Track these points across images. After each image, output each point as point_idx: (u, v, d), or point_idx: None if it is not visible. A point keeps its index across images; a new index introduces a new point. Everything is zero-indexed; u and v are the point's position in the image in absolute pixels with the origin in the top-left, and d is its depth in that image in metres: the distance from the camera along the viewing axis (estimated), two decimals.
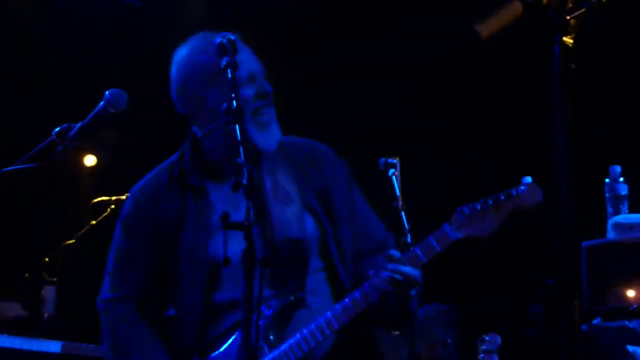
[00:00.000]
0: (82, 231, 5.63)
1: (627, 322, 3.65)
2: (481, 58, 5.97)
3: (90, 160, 7.02)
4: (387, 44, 6.44)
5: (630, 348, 3.08)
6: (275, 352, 3.01)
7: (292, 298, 3.03)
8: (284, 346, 3.01)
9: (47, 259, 5.65)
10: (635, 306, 4.25)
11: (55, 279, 5.75)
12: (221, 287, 3.08)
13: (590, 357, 3.63)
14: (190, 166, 3.22)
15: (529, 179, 3.03)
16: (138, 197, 3.29)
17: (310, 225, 3.14)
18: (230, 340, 3.04)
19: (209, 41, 3.05)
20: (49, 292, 5.68)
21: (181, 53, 3.23)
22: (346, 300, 3.01)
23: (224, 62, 2.83)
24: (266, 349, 3.01)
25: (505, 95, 6.36)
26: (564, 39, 2.10)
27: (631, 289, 4.35)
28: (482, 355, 4.71)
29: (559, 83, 2.13)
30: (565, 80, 2.12)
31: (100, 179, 6.92)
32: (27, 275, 5.63)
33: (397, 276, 2.97)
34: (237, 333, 2.99)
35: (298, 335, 3.00)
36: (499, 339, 4.71)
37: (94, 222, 5.57)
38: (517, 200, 3.00)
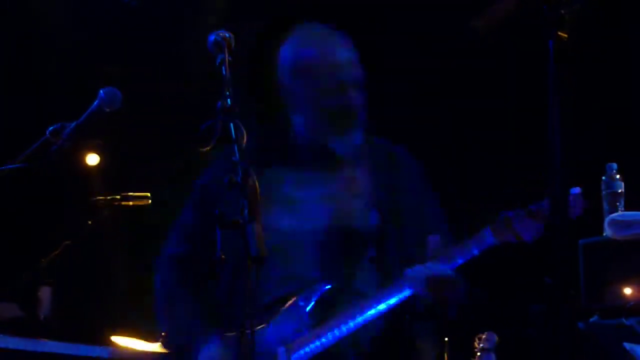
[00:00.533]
0: (79, 231, 5.61)
1: (624, 320, 3.63)
2: (480, 57, 5.97)
3: (93, 159, 7.00)
4: (386, 43, 6.42)
5: (627, 346, 3.06)
6: (311, 335, 3.05)
7: (335, 284, 3.08)
8: (321, 331, 3.04)
9: (43, 260, 5.63)
10: (632, 304, 4.24)
11: (52, 280, 5.74)
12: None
13: (588, 355, 3.62)
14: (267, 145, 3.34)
15: (577, 190, 2.96)
16: (215, 161, 3.36)
17: (374, 219, 3.19)
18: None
19: (308, 32, 3.28)
20: (45, 293, 5.66)
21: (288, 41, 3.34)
22: (380, 292, 3.04)
23: (218, 60, 2.81)
24: (306, 331, 3.07)
25: (504, 94, 6.34)
26: (559, 33, 2.08)
27: (628, 286, 4.34)
28: (478, 354, 4.70)
29: (554, 78, 2.11)
30: (561, 75, 2.10)
31: (99, 179, 6.91)
32: (24, 276, 5.61)
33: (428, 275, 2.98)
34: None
35: (334, 323, 3.04)
36: (495, 338, 4.70)
37: (89, 222, 5.55)
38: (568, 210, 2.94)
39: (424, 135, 6.34)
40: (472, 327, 5.01)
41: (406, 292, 3.01)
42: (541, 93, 2.23)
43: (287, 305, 3.11)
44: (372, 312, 3.02)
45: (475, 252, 2.98)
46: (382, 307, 3.02)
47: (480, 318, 5.43)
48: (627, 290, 4.33)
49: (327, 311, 3.06)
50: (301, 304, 3.09)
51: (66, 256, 5.94)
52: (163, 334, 3.34)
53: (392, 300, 3.02)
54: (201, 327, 3.19)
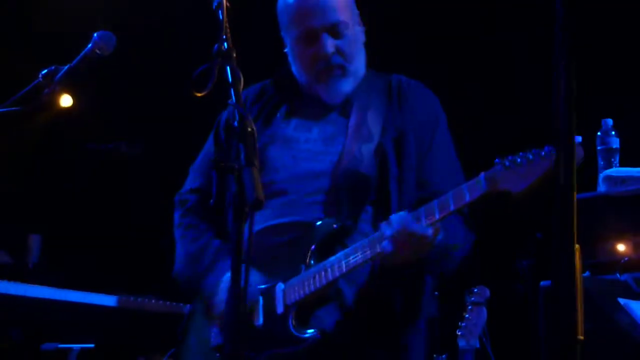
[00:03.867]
0: (72, 178, 5.58)
1: (618, 275, 3.62)
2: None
3: (66, 101, 6.89)
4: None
5: (621, 301, 3.04)
6: (307, 274, 3.03)
7: (335, 226, 3.05)
8: (315, 269, 3.02)
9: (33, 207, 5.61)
10: (626, 259, 4.24)
11: (41, 228, 5.72)
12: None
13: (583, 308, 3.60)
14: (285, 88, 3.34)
15: (578, 138, 2.84)
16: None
17: (379, 163, 3.13)
18: None
19: None
20: (34, 241, 5.64)
21: None
22: (365, 240, 2.97)
23: (215, 3, 2.75)
24: (303, 268, 3.05)
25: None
26: None
27: (622, 242, 4.33)
28: (470, 307, 4.69)
29: (561, 34, 2.05)
30: (567, 31, 2.04)
31: (93, 125, 6.85)
32: (12, 223, 5.59)
33: (401, 229, 2.87)
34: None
35: (325, 263, 3.00)
36: (487, 292, 4.69)
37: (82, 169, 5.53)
38: (543, 164, 2.77)
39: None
40: (463, 281, 5.00)
41: (384, 244, 2.91)
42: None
43: (291, 247, 3.10)
44: (354, 260, 2.96)
45: (468, 198, 2.84)
46: (363, 252, 2.95)
47: (471, 272, 5.43)
48: (621, 246, 4.32)
49: (330, 251, 3.03)
50: (301, 248, 3.07)
51: (56, 204, 5.91)
52: (177, 270, 3.28)
53: (373, 250, 2.94)
54: (217, 257, 3.20)
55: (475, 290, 4.70)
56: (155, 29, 6.24)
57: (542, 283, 4.66)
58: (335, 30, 3.18)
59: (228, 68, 2.63)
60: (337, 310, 3.06)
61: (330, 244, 3.04)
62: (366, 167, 3.12)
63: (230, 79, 2.62)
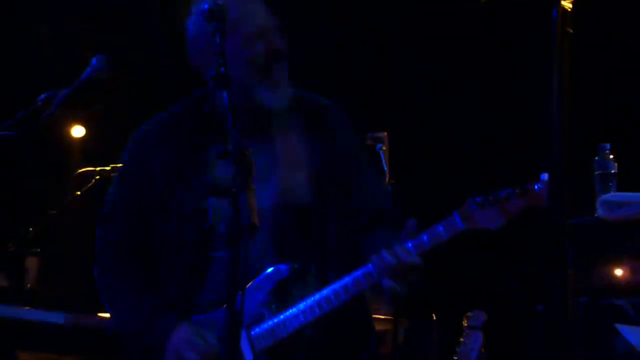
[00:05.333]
0: (66, 202, 5.56)
1: (615, 301, 3.61)
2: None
3: (78, 131, 6.96)
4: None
5: (618, 326, 3.04)
6: (275, 320, 2.98)
7: (290, 270, 3.00)
8: (283, 315, 2.97)
9: (30, 230, 5.58)
10: (623, 284, 4.24)
11: (38, 250, 5.70)
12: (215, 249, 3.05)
13: (579, 334, 3.60)
14: (197, 118, 3.16)
15: (546, 176, 2.88)
16: (135, 139, 3.24)
17: (317, 192, 3.08)
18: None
19: None
20: (31, 263, 5.63)
21: (198, 6, 3.14)
22: (347, 279, 2.94)
23: (211, 28, 2.76)
24: (267, 314, 3.00)
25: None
26: (563, 2, 2.03)
27: (619, 267, 4.33)
28: (466, 332, 4.68)
29: (556, 49, 2.06)
30: (562, 46, 2.05)
31: (87, 150, 6.86)
32: (10, 245, 5.57)
33: (396, 264, 2.88)
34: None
35: (297, 308, 2.97)
36: (483, 316, 4.67)
37: (78, 192, 5.49)
38: (532, 197, 2.85)
39: (411, 109, 6.30)
40: (460, 305, 4.99)
41: (372, 279, 2.93)
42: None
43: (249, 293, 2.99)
44: (336, 298, 2.94)
45: (445, 237, 2.89)
46: (346, 293, 2.94)
47: (469, 296, 5.43)
48: (618, 272, 4.32)
49: (289, 294, 3.00)
50: (260, 293, 3.01)
51: (53, 226, 5.89)
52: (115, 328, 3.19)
53: (358, 287, 2.94)
54: (162, 315, 3.07)
55: (471, 314, 4.68)
56: (148, 52, 6.26)
57: (537, 307, 4.67)
58: (278, 32, 3.12)
59: (225, 93, 2.63)
60: (309, 356, 3.03)
61: (288, 287, 2.99)
62: (306, 199, 3.07)
63: (227, 104, 2.60)
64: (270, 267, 3.01)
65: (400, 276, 2.90)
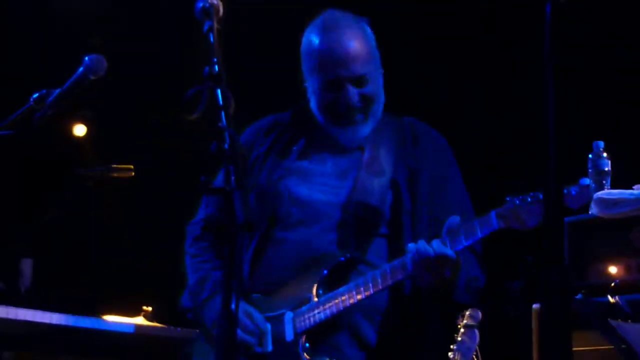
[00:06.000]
0: (62, 203, 5.56)
1: (610, 298, 3.62)
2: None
3: (80, 130, 6.93)
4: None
5: (613, 323, 3.04)
6: (317, 304, 3.10)
7: (343, 258, 3.12)
8: (325, 299, 3.08)
9: (25, 232, 5.58)
10: (617, 282, 4.23)
11: (33, 252, 5.70)
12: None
13: (575, 331, 3.60)
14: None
15: (586, 181, 2.99)
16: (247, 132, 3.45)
17: (391, 197, 3.21)
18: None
19: (323, 20, 3.31)
20: (26, 265, 5.62)
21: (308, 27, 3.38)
22: (385, 267, 3.06)
23: (205, 27, 2.76)
24: (312, 298, 3.12)
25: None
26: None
27: (613, 265, 4.33)
28: (462, 330, 4.66)
29: (549, 46, 2.04)
30: (556, 42, 2.04)
31: (85, 150, 6.84)
32: (4, 248, 5.56)
33: (431, 257, 2.97)
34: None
35: (337, 293, 3.07)
36: (479, 314, 4.66)
37: (73, 194, 5.50)
38: (568, 199, 2.95)
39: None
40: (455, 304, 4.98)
41: (408, 269, 3.02)
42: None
43: (300, 277, 3.16)
44: (374, 285, 3.04)
45: (480, 234, 3.00)
46: (383, 281, 3.04)
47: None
48: (613, 269, 4.32)
49: (338, 281, 3.10)
50: (311, 279, 3.14)
51: (48, 228, 5.88)
52: (182, 299, 3.34)
53: (394, 276, 3.03)
54: (216, 289, 3.21)
55: (468, 312, 4.67)
56: (146, 52, 6.23)
57: (534, 305, 4.66)
58: (360, 81, 3.24)
59: (219, 91, 2.63)
60: (353, 342, 3.15)
61: (338, 275, 3.11)
62: (377, 200, 3.19)
63: (221, 102, 2.61)
64: (327, 254, 3.14)
65: (434, 270, 2.98)
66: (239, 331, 3.06)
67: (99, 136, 6.71)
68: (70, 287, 6.25)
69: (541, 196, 2.90)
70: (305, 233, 3.20)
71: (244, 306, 3.13)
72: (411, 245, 3.00)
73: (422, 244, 2.98)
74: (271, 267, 3.20)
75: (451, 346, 4.64)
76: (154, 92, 6.17)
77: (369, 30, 3.34)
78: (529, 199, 2.92)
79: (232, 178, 2.42)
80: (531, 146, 5.13)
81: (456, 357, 4.61)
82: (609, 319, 3.05)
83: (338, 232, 3.18)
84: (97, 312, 4.76)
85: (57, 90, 3.25)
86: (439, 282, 3.02)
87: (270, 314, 3.15)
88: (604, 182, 4.63)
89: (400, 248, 3.12)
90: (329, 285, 3.11)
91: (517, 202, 2.94)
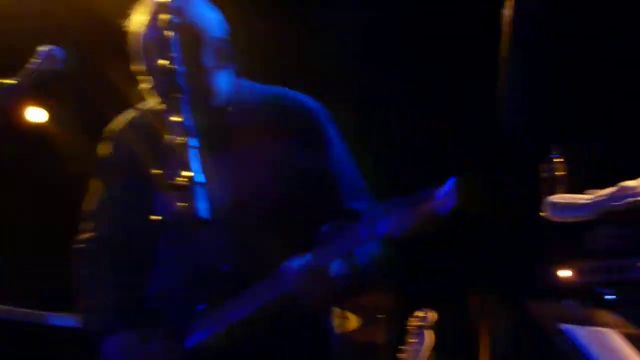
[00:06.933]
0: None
1: (561, 301, 3.61)
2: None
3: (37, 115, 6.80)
4: None
5: (564, 327, 3.02)
6: (201, 320, 2.89)
7: (232, 267, 2.89)
8: (209, 316, 2.88)
9: None
10: (569, 286, 4.25)
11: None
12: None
13: (526, 334, 3.60)
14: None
15: (452, 181, 2.66)
16: (116, 136, 3.14)
17: (271, 192, 2.95)
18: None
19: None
20: None
21: None
22: (257, 287, 2.82)
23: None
24: (198, 316, 2.90)
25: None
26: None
27: (565, 268, 4.34)
28: (415, 331, 4.65)
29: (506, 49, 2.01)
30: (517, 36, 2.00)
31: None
32: None
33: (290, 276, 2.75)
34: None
35: (221, 308, 2.86)
36: (432, 316, 4.66)
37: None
38: (431, 204, 2.65)
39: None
40: (409, 305, 4.97)
41: (282, 286, 2.77)
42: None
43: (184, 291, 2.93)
44: (256, 303, 2.81)
45: (351, 245, 2.72)
46: (264, 299, 2.81)
47: (417, 296, 5.41)
48: (563, 272, 4.34)
49: (224, 295, 2.86)
50: (200, 293, 2.91)
51: (15, 225, 5.81)
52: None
53: (273, 293, 2.79)
54: (121, 317, 3.02)
55: (420, 313, 4.66)
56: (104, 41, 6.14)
57: (488, 305, 4.67)
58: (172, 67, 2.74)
59: (168, 82, 2.57)
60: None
61: (226, 290, 2.86)
62: (257, 198, 2.94)
63: (178, 92, 2.55)
64: (214, 264, 2.90)
65: (310, 286, 2.76)
66: None
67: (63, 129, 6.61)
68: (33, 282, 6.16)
69: (407, 202, 2.66)
70: (184, 245, 2.89)
71: (136, 337, 2.96)
72: (286, 264, 2.76)
73: (296, 260, 2.75)
74: (159, 282, 2.98)
75: (402, 347, 4.65)
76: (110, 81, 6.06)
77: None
78: (394, 206, 2.66)
79: (191, 172, 2.36)
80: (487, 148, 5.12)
81: (406, 358, 4.61)
82: (560, 323, 3.02)
83: (220, 241, 2.88)
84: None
85: (12, 81, 3.18)
86: (317, 297, 2.78)
87: (159, 329, 2.94)
88: (558, 186, 4.65)
89: (286, 246, 2.85)
90: (214, 301, 2.87)
91: (387, 206, 2.66)
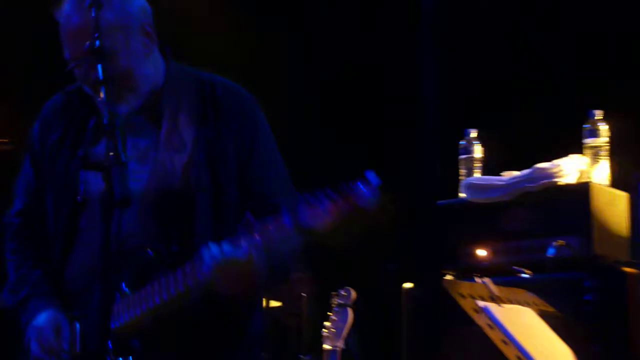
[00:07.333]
0: None
1: (477, 279, 3.67)
2: None
3: None
4: None
5: (479, 303, 3.07)
6: (120, 302, 2.84)
7: (149, 253, 2.85)
8: (128, 299, 2.84)
9: None
10: (485, 264, 4.31)
11: None
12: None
13: (444, 310, 3.64)
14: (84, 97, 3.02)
15: (372, 175, 2.59)
16: (36, 122, 3.13)
17: (195, 177, 2.91)
18: None
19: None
20: None
21: None
22: (186, 267, 2.75)
23: (87, 2, 2.69)
24: (118, 297, 2.85)
25: None
26: None
27: (481, 247, 4.40)
28: (335, 309, 4.69)
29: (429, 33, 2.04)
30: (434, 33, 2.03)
31: None
32: None
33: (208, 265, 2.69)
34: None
35: (141, 291, 2.82)
36: (352, 294, 4.69)
37: None
38: (352, 198, 2.59)
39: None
40: (329, 283, 5.00)
41: (199, 275, 2.72)
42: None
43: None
44: (169, 292, 2.76)
45: (273, 232, 2.64)
46: (178, 289, 2.75)
47: (338, 274, 5.43)
48: (481, 252, 4.39)
49: (145, 278, 2.82)
50: (120, 271, 2.84)
51: None
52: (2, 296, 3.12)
53: (189, 280, 2.74)
54: (33, 291, 3.02)
55: (342, 292, 4.70)
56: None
57: (405, 286, 4.71)
58: (101, 54, 2.75)
59: (99, 66, 2.57)
60: (161, 337, 2.87)
61: (144, 271, 2.84)
62: (179, 181, 2.90)
63: (101, 76, 2.57)
64: (132, 249, 2.85)
65: (225, 275, 2.70)
66: (36, 345, 2.92)
67: None
68: None
69: (326, 194, 2.65)
70: (103, 228, 2.67)
71: (52, 318, 2.93)
72: (203, 253, 2.70)
73: (213, 249, 2.68)
74: (79, 263, 2.94)
75: (325, 323, 4.68)
76: (32, 62, 5.96)
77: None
78: (316, 199, 2.60)
79: (111, 153, 2.35)
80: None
81: (328, 335, 4.65)
82: (476, 301, 3.07)
83: (142, 223, 2.87)
84: None
85: None
86: (231, 287, 2.73)
87: (79, 312, 2.90)
88: (474, 168, 4.73)
89: (202, 230, 2.86)
90: (135, 284, 2.83)
91: (309, 198, 2.58)
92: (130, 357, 2.82)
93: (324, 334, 4.67)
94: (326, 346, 4.62)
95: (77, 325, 2.90)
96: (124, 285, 2.85)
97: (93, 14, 2.67)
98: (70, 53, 2.88)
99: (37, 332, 2.95)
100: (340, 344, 4.65)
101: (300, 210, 2.61)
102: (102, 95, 2.65)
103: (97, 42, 2.66)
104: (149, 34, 2.95)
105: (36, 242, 3.08)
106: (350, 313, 4.68)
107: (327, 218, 2.59)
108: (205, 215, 2.91)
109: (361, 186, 2.58)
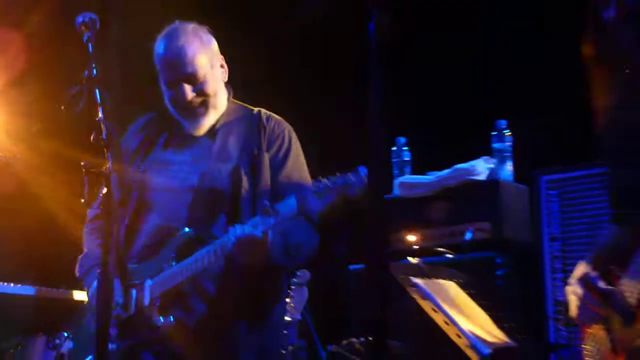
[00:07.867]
0: None
1: (410, 260, 3.69)
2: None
3: None
4: None
5: (413, 280, 3.10)
6: (169, 272, 3.01)
7: (191, 234, 3.01)
8: (173, 269, 3.00)
9: None
10: (415, 247, 4.34)
11: None
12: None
13: (386, 286, 3.65)
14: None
15: (364, 170, 2.70)
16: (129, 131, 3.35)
17: (236, 180, 3.09)
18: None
19: (168, 30, 3.18)
20: None
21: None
22: (217, 243, 2.91)
23: (85, 37, 2.69)
24: (165, 268, 3.03)
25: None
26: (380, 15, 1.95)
27: (411, 234, 4.44)
28: (293, 287, 4.67)
29: (375, 59, 2.01)
30: (380, 56, 2.00)
31: None
32: None
33: (243, 237, 2.83)
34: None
35: (183, 264, 2.98)
36: (308, 274, 4.68)
37: None
38: (348, 186, 2.74)
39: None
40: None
41: (227, 248, 2.88)
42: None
43: (158, 250, 3.08)
44: (208, 259, 2.92)
45: (282, 213, 2.81)
46: (215, 255, 2.91)
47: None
48: (411, 237, 4.43)
49: (187, 253, 2.99)
50: (166, 251, 3.05)
51: None
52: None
53: (222, 251, 2.89)
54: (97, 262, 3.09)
55: (298, 273, 4.69)
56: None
57: (351, 267, 4.73)
58: (193, 78, 3.11)
59: (97, 90, 2.60)
60: (198, 298, 3.01)
61: (187, 249, 3.00)
62: (222, 185, 3.09)
63: (99, 100, 2.59)
64: (179, 230, 3.04)
65: (244, 248, 2.84)
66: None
67: None
68: None
69: (327, 183, 2.74)
70: (163, 213, 3.10)
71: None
72: (230, 229, 2.88)
73: (238, 227, 2.85)
74: (138, 243, 3.11)
75: (287, 299, 4.66)
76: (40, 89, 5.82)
77: (206, 36, 3.21)
78: (322, 186, 2.74)
79: (110, 162, 2.35)
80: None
81: (288, 309, 4.63)
82: (410, 277, 3.09)
83: (190, 212, 3.07)
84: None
85: None
86: (248, 258, 2.88)
87: (137, 281, 3.06)
88: (404, 169, 4.76)
89: (239, 222, 2.97)
90: (180, 257, 3.01)
91: (315, 189, 2.76)
92: (171, 317, 2.97)
93: (288, 308, 4.65)
94: (287, 318, 4.61)
95: (133, 292, 3.04)
96: (172, 256, 3.02)
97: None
98: (167, 78, 3.14)
99: (93, 293, 3.12)
100: (297, 316, 4.64)
101: (309, 196, 2.75)
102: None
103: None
104: (223, 66, 3.25)
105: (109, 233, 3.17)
106: (305, 290, 4.67)
107: (322, 205, 2.71)
108: (245, 207, 3.07)
109: (353, 177, 2.73)
